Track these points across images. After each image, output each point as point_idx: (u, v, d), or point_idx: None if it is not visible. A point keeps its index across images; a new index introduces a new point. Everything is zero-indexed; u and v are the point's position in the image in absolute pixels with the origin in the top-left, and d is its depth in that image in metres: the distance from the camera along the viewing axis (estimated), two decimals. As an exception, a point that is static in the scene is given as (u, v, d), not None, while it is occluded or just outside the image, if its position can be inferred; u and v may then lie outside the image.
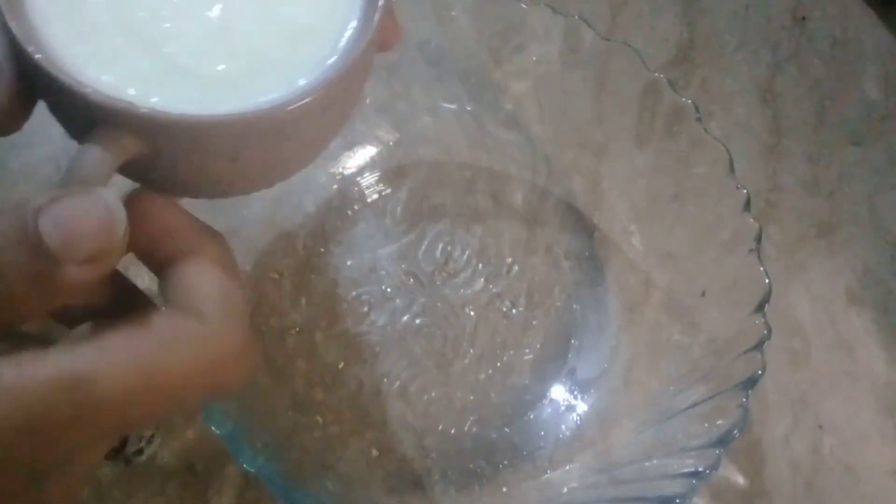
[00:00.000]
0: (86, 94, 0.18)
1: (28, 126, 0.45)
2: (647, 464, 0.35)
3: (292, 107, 0.20)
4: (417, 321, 0.41)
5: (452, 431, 0.39)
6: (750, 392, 0.33)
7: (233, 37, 0.21)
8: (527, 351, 0.41)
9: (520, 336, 0.41)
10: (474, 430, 0.39)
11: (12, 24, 0.19)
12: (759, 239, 0.37)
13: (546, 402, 0.40)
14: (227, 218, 0.38)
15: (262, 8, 0.22)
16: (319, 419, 0.38)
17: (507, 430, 0.39)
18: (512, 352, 0.41)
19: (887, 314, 0.45)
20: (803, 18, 0.55)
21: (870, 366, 0.44)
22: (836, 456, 0.41)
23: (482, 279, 0.42)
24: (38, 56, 0.19)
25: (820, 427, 0.42)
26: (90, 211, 0.17)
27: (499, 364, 0.40)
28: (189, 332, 0.18)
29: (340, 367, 0.39)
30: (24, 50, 0.19)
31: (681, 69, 0.52)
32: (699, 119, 0.39)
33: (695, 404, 0.36)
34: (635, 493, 0.34)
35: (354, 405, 0.39)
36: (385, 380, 0.39)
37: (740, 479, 0.40)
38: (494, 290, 0.42)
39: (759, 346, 0.34)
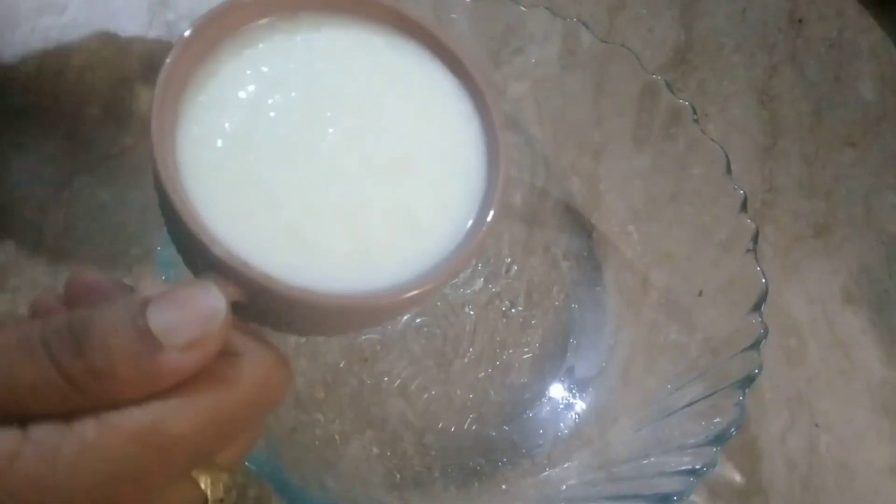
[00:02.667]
0: (210, 247, 0.20)
1: (31, 127, 0.46)
2: (644, 461, 0.35)
3: (388, 300, 0.22)
4: (417, 320, 0.41)
5: (452, 429, 0.39)
6: (747, 391, 0.33)
7: (353, 219, 0.23)
8: (526, 350, 0.41)
9: (519, 335, 0.42)
10: (474, 427, 0.39)
11: (161, 169, 0.21)
12: (755, 239, 0.37)
13: (545, 400, 0.40)
14: None
15: (386, 198, 0.23)
16: (321, 417, 0.38)
17: (506, 428, 0.39)
18: (511, 351, 0.41)
19: (883, 313, 0.46)
20: (800, 20, 0.56)
21: (866, 365, 0.44)
22: (832, 454, 0.42)
23: (481, 279, 0.43)
24: (174, 198, 0.21)
25: (816, 425, 0.42)
26: (194, 301, 0.19)
27: (498, 363, 0.41)
28: (236, 365, 0.20)
29: (341, 365, 0.40)
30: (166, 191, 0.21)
31: (678, 71, 0.52)
32: (696, 120, 0.40)
33: (692, 403, 0.36)
34: (633, 490, 0.34)
35: (355, 403, 0.39)
36: (385, 378, 0.40)
37: (737, 477, 0.40)
38: (494, 289, 0.42)
39: (755, 345, 0.35)
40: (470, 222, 0.24)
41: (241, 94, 0.23)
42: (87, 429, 0.17)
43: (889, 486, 0.41)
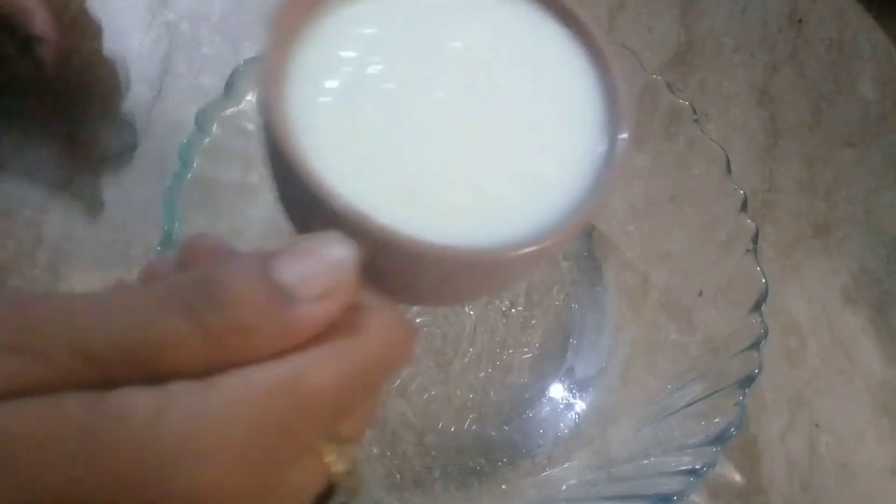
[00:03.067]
0: (331, 200, 0.19)
1: (32, 126, 0.46)
2: (645, 461, 0.36)
3: (513, 253, 0.21)
4: (417, 320, 0.41)
5: (452, 429, 0.39)
6: (747, 390, 0.34)
7: (470, 174, 0.22)
8: (526, 350, 0.41)
9: (519, 335, 0.42)
10: (474, 427, 0.39)
11: (275, 125, 0.20)
12: (755, 239, 0.37)
13: (545, 400, 0.40)
14: (231, 218, 0.38)
15: (503, 154, 0.23)
16: (321, 417, 0.38)
17: (506, 427, 0.39)
18: (511, 351, 0.41)
19: (882, 313, 0.46)
20: (800, 21, 0.56)
21: (865, 365, 0.44)
22: (831, 454, 0.42)
23: (482, 279, 0.43)
24: (290, 153, 0.20)
25: (816, 425, 0.42)
26: (322, 251, 0.18)
27: (498, 363, 0.41)
28: (365, 317, 0.19)
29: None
30: (284, 145, 0.20)
31: (678, 71, 0.52)
32: (696, 120, 0.40)
33: (692, 402, 0.36)
34: (633, 490, 0.34)
35: (355, 404, 0.39)
36: (385, 379, 0.40)
37: (737, 477, 0.40)
38: (494, 289, 0.43)
39: (755, 345, 0.35)
40: (590, 178, 0.23)
41: (349, 53, 0.22)
42: (231, 384, 0.17)
43: (889, 486, 0.41)
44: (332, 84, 0.22)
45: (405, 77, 0.22)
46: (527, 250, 0.21)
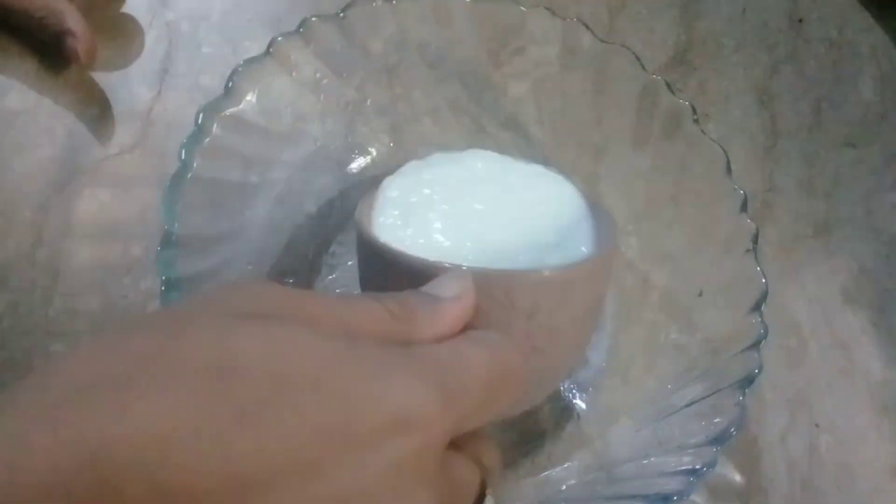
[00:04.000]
0: (438, 265, 0.28)
1: (32, 127, 0.46)
2: (644, 461, 0.35)
3: (576, 267, 0.31)
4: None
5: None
6: (747, 391, 0.34)
7: (495, 244, 0.33)
8: (526, 350, 0.41)
9: (519, 335, 0.41)
10: (474, 428, 0.39)
11: (374, 236, 0.32)
12: (755, 239, 0.37)
13: (545, 400, 0.40)
14: (230, 220, 0.38)
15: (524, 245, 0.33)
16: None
17: (506, 427, 0.39)
18: (511, 351, 0.41)
19: (883, 314, 0.46)
20: (800, 21, 0.56)
21: (866, 365, 0.44)
22: (832, 454, 0.42)
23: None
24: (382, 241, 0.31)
25: (816, 425, 0.42)
26: (447, 274, 0.27)
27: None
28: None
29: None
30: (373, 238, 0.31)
31: (678, 71, 0.52)
32: (697, 121, 0.40)
33: (692, 403, 0.36)
34: (633, 490, 0.34)
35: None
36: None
37: (737, 477, 0.40)
38: (494, 289, 0.42)
39: (755, 345, 0.35)
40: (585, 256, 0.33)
41: (414, 198, 0.34)
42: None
43: (889, 486, 0.41)
44: (402, 218, 0.33)
45: (450, 211, 0.33)
46: (585, 265, 0.32)
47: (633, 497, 0.33)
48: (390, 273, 0.30)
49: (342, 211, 0.43)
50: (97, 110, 0.46)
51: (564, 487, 0.37)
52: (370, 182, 0.45)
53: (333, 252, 0.42)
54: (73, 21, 0.44)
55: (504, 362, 0.24)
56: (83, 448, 0.16)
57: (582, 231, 0.35)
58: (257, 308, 0.21)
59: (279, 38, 0.40)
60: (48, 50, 0.46)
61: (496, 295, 0.27)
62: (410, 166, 0.36)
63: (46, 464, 0.16)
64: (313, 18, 0.40)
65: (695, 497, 0.39)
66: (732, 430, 0.33)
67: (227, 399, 0.18)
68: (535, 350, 0.30)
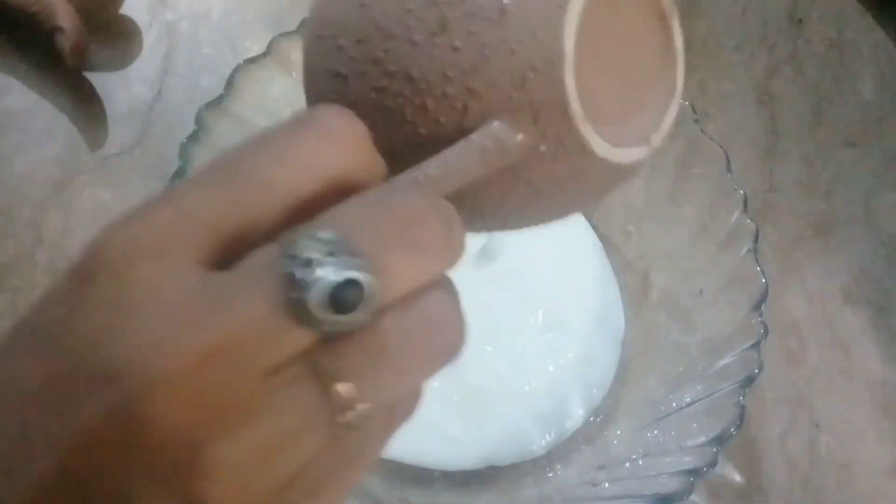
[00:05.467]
0: None
1: (32, 127, 0.46)
2: (644, 461, 0.36)
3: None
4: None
5: (452, 429, 0.39)
6: (747, 391, 0.34)
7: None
8: (526, 350, 0.41)
9: (519, 335, 0.41)
10: (474, 428, 0.39)
11: None
12: (756, 239, 0.37)
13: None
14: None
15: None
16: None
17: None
18: (511, 351, 0.41)
19: (883, 313, 0.46)
20: (800, 20, 0.56)
21: (866, 364, 0.44)
22: (832, 454, 0.42)
23: (482, 279, 0.43)
24: None
25: (816, 425, 0.42)
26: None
27: (498, 363, 0.41)
28: None
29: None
30: None
31: (678, 71, 0.52)
32: (697, 120, 0.40)
33: (692, 403, 0.36)
34: (633, 490, 0.34)
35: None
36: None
37: (737, 477, 0.40)
38: (494, 289, 0.43)
39: (755, 345, 0.35)
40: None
41: None
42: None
43: (889, 486, 0.41)
44: None
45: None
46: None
47: (633, 497, 0.33)
48: None
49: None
50: (97, 110, 0.46)
51: (564, 487, 0.37)
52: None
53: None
54: (64, 18, 0.44)
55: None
56: None
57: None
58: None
59: (279, 38, 0.40)
60: (44, 47, 0.46)
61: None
62: None
63: None
64: (313, 18, 0.40)
65: (695, 497, 0.39)
66: (732, 430, 0.33)
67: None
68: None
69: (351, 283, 0.16)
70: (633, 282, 0.42)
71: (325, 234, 0.16)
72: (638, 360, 0.40)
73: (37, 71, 0.47)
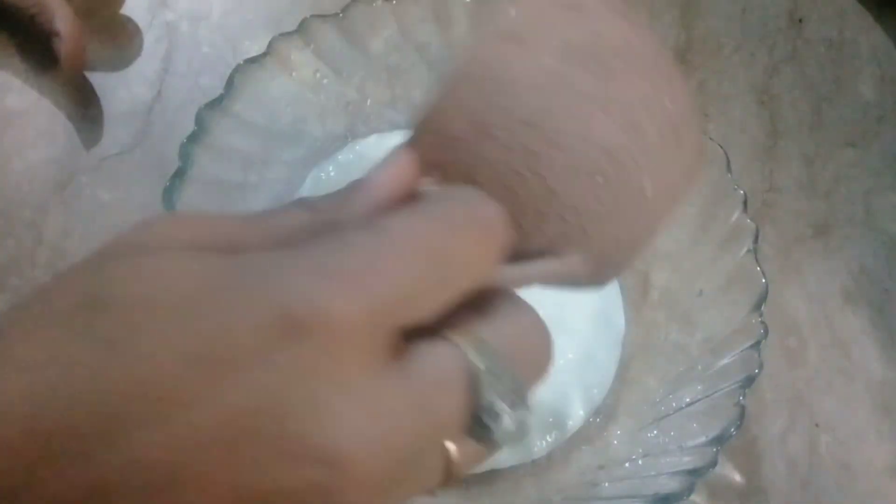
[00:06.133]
0: None
1: (32, 127, 0.46)
2: (644, 461, 0.36)
3: None
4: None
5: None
6: (747, 390, 0.34)
7: None
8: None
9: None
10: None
11: None
12: (756, 239, 0.37)
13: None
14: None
15: None
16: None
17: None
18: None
19: (883, 314, 0.46)
20: (800, 21, 0.56)
21: (866, 365, 0.44)
22: (832, 454, 0.42)
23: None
24: None
25: (816, 425, 0.42)
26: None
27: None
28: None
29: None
30: None
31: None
32: (696, 120, 0.40)
33: (692, 402, 0.36)
34: (633, 490, 0.34)
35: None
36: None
37: (737, 477, 0.40)
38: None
39: (755, 345, 0.35)
40: None
41: None
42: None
43: (889, 486, 0.41)
44: None
45: None
46: None
47: (633, 497, 0.33)
48: None
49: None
50: (97, 110, 0.46)
51: (564, 488, 0.37)
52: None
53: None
54: (61, 22, 0.43)
55: (456, 216, 0.19)
56: None
57: None
58: (142, 240, 0.19)
59: (279, 38, 0.40)
60: (44, 47, 0.46)
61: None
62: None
63: None
64: (313, 18, 0.40)
65: (695, 497, 0.39)
66: (732, 430, 0.33)
67: (97, 332, 0.16)
68: (529, 173, 0.22)
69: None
70: (633, 282, 0.42)
71: (507, 383, 0.19)
72: (638, 360, 0.40)
73: (37, 71, 0.47)
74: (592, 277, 0.24)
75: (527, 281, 0.22)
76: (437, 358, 0.18)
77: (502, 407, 0.18)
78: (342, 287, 0.17)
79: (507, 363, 0.19)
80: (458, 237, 0.19)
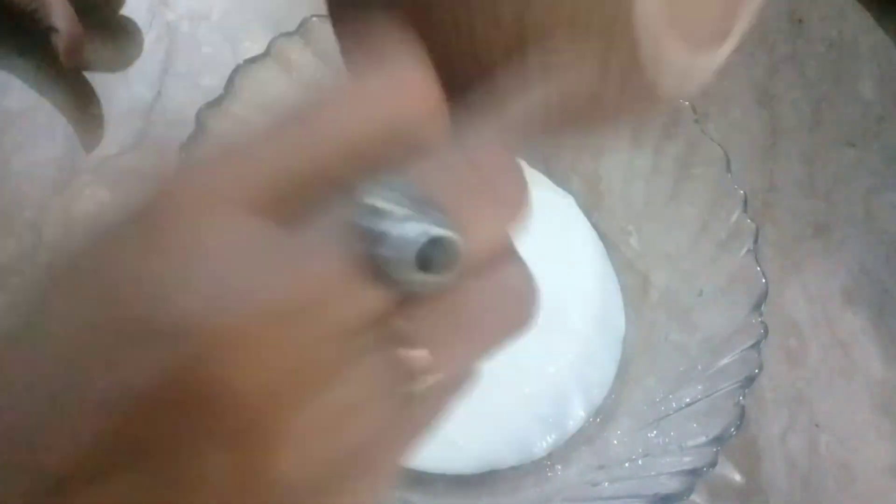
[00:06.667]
0: None
1: (32, 127, 0.46)
2: (644, 461, 0.36)
3: None
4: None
5: (452, 429, 0.39)
6: (747, 390, 0.34)
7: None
8: (526, 350, 0.41)
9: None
10: (474, 428, 0.39)
11: None
12: (756, 239, 0.37)
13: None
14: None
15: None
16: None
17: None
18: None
19: (883, 314, 0.46)
20: (800, 20, 0.56)
21: (865, 364, 0.44)
22: (831, 454, 0.42)
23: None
24: None
25: (816, 425, 0.42)
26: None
27: (498, 363, 0.41)
28: None
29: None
30: None
31: (678, 71, 0.52)
32: (697, 120, 0.40)
33: (692, 402, 0.36)
34: (633, 490, 0.34)
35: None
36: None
37: (737, 477, 0.40)
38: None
39: (755, 345, 0.35)
40: None
41: None
42: None
43: (889, 486, 0.41)
44: None
45: None
46: None
47: (633, 497, 0.33)
48: None
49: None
50: (97, 110, 0.46)
51: (564, 488, 0.37)
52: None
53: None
54: (59, 18, 0.43)
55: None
56: None
57: None
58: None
59: (279, 38, 0.40)
60: (44, 47, 0.46)
61: None
62: None
63: None
64: (313, 18, 0.40)
65: (695, 497, 0.39)
66: (732, 430, 0.33)
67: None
68: None
69: (437, 241, 0.14)
70: (633, 282, 0.42)
71: (406, 185, 0.15)
72: (638, 360, 0.40)
73: (37, 71, 0.47)
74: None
75: (517, 118, 0.17)
76: (323, 208, 0.15)
77: (400, 213, 0.14)
78: (197, 172, 0.16)
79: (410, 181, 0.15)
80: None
